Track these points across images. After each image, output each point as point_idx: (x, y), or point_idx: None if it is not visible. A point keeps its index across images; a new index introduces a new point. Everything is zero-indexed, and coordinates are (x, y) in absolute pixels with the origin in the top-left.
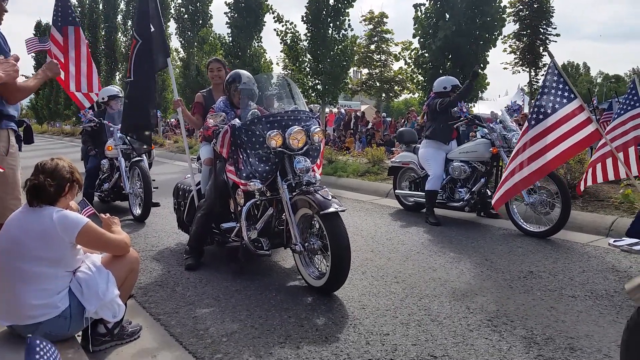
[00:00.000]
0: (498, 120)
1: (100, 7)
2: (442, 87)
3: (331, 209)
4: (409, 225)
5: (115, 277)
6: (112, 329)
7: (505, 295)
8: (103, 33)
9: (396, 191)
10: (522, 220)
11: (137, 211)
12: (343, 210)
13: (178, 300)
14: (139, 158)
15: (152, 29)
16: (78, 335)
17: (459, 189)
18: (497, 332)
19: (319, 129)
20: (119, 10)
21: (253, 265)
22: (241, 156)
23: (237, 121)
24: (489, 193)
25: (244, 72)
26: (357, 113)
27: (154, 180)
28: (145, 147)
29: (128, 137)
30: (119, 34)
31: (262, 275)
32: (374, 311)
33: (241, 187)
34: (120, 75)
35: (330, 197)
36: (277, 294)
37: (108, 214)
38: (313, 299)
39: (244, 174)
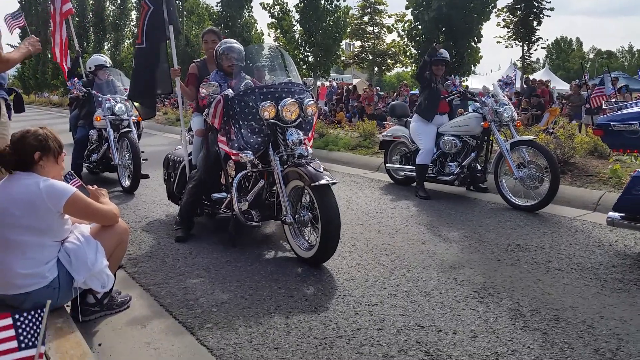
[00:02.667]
0: (490, 94)
1: None
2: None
3: (322, 181)
4: (399, 198)
5: (104, 248)
6: (101, 299)
7: (493, 267)
8: (92, 2)
9: (387, 165)
10: (510, 194)
11: (126, 183)
12: (334, 183)
13: (168, 271)
14: (128, 129)
15: None
16: (67, 306)
17: (449, 163)
18: (483, 304)
19: (312, 102)
20: None
21: (243, 237)
22: (233, 127)
23: (230, 91)
24: (479, 167)
25: (227, 39)
26: (349, 87)
27: (143, 152)
28: (150, 113)
29: (134, 104)
30: (107, 3)
31: (252, 246)
32: (363, 282)
33: (232, 157)
34: (109, 45)
35: (321, 170)
36: (267, 265)
37: (95, 186)
38: (303, 270)
39: (236, 145)
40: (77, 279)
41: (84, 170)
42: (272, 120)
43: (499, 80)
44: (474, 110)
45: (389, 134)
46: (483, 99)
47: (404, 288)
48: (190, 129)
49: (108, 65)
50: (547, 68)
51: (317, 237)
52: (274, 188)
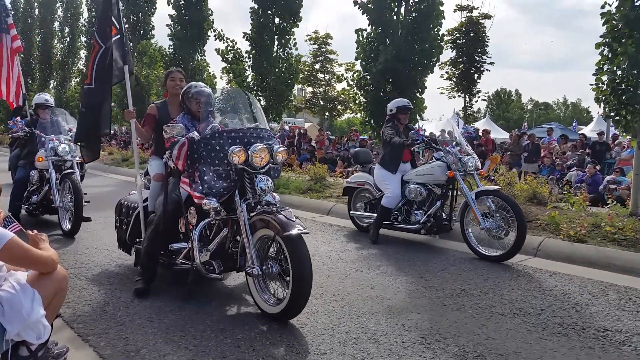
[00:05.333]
0: (454, 144)
1: (36, 12)
2: (389, 109)
3: (294, 231)
4: (349, 242)
5: (41, 296)
6: (35, 351)
7: (439, 312)
8: (38, 39)
9: (351, 212)
10: (478, 245)
11: (67, 226)
12: (307, 233)
13: (108, 321)
14: (71, 170)
15: (117, 35)
16: None
17: (415, 212)
18: (430, 350)
19: (282, 148)
20: (56, 15)
21: (200, 288)
22: (197, 172)
23: (195, 134)
24: (444, 216)
25: (195, 82)
26: (301, 130)
27: (85, 193)
28: (94, 156)
29: (79, 145)
30: (55, 41)
31: (198, 295)
32: (312, 330)
33: (196, 200)
34: (55, 84)
35: (293, 219)
36: (213, 314)
37: (35, 230)
38: (250, 318)
39: (200, 187)
40: (10, 330)
41: (23, 212)
42: (241, 166)
43: (463, 128)
44: (437, 159)
45: (353, 180)
46: (447, 149)
47: (353, 335)
48: (146, 173)
49: (49, 105)
50: (487, 118)
51: (287, 290)
52: (238, 237)
